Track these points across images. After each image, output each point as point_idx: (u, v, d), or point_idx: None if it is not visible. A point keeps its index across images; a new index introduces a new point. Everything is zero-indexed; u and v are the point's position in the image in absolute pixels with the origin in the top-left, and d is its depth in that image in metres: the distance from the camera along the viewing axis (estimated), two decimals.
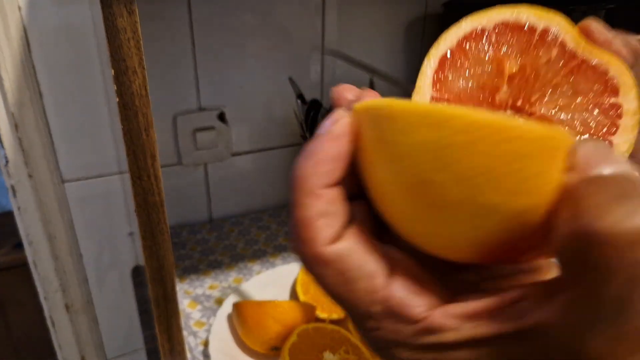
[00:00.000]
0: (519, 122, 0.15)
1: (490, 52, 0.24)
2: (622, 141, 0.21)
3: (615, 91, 0.22)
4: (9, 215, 1.44)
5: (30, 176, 0.65)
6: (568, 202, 0.14)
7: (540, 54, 0.24)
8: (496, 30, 0.24)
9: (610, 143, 0.21)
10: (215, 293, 0.64)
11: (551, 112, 0.23)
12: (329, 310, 0.55)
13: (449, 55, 0.24)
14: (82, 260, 0.74)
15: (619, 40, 0.23)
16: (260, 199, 0.86)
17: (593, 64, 0.22)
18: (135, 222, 0.38)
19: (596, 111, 0.22)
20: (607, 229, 0.12)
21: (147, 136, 0.34)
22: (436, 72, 0.24)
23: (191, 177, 0.78)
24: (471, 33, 0.24)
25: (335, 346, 0.49)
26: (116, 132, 0.66)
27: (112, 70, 0.33)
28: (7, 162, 0.63)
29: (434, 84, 0.24)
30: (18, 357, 1.41)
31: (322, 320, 0.54)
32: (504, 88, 0.24)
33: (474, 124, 0.15)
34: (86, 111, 0.66)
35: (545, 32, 0.23)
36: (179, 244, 0.75)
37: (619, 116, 0.22)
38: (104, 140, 0.69)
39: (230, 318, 0.56)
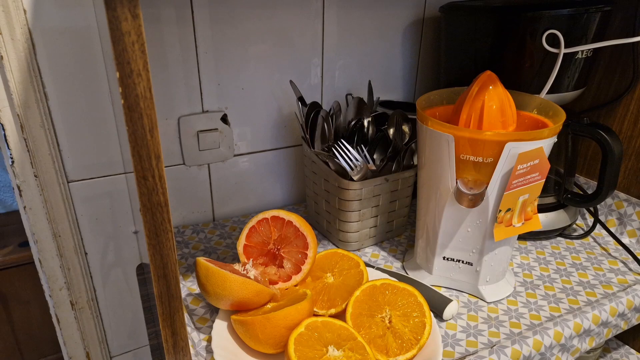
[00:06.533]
0: (233, 277, 0.51)
1: (267, 227, 0.59)
2: (300, 275, 0.58)
3: (305, 248, 0.58)
4: (13, 215, 1.46)
5: (36, 176, 0.66)
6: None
7: (284, 230, 0.58)
8: (269, 218, 0.59)
9: (292, 277, 0.58)
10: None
11: (282, 254, 0.58)
12: (327, 306, 0.56)
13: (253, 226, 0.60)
14: (87, 258, 0.75)
15: None
16: (262, 198, 0.87)
17: (300, 231, 0.58)
18: (140, 221, 0.39)
19: (295, 258, 0.58)
20: None
21: (151, 137, 0.34)
22: (247, 233, 0.59)
23: (194, 177, 0.79)
24: (261, 219, 0.59)
25: (341, 342, 0.49)
26: (120, 133, 0.67)
27: (117, 73, 0.34)
28: (13, 162, 0.64)
29: (247, 238, 0.59)
30: (21, 354, 1.42)
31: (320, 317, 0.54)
32: (271, 244, 0.59)
33: (223, 277, 0.51)
34: (91, 112, 0.67)
35: (289, 222, 0.58)
36: (182, 242, 0.76)
37: (302, 263, 0.58)
38: (108, 140, 0.70)
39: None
